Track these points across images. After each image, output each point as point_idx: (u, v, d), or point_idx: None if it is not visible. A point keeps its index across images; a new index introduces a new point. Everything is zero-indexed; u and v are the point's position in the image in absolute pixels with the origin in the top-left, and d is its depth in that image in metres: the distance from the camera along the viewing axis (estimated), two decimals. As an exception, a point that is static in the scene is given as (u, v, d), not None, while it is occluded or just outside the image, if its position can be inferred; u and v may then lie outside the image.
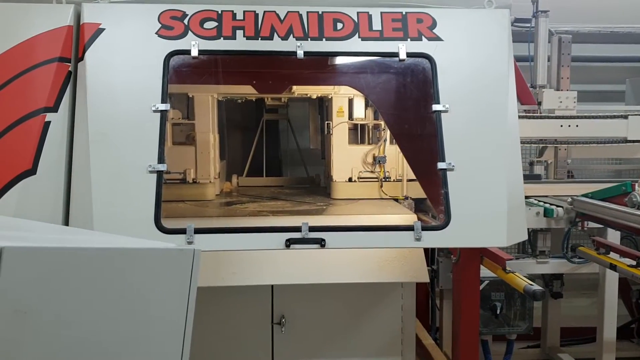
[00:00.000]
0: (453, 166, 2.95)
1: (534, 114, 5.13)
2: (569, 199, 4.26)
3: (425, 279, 3.63)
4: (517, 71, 5.30)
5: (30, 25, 3.06)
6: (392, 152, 4.29)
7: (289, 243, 2.83)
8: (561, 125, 4.99)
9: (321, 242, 2.84)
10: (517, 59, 5.34)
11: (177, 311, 1.63)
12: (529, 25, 5.37)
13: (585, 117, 4.98)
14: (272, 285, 3.73)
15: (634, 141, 5.06)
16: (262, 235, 2.88)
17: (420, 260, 3.65)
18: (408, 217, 3.52)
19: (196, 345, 3.45)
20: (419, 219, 3.45)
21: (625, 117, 5.03)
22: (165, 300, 1.58)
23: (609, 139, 5.06)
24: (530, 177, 5.24)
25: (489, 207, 2.92)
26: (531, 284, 3.15)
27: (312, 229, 2.85)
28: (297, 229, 2.85)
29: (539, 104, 5.19)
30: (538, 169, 5.37)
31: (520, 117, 5.08)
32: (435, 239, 2.90)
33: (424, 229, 2.87)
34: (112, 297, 1.42)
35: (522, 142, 5.15)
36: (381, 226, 3.09)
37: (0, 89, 2.97)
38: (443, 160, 2.96)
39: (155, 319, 1.59)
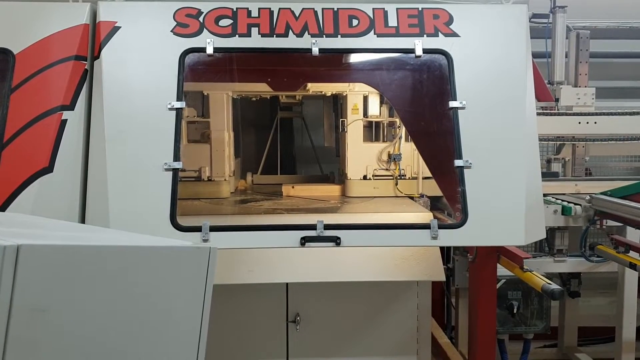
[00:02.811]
0: (470, 164, 2.92)
1: (552, 111, 5.07)
2: (587, 197, 4.20)
3: (442, 277, 3.60)
4: (535, 67, 5.26)
5: (47, 24, 3.08)
6: (408, 150, 4.27)
7: (304, 241, 2.82)
8: (579, 122, 4.93)
9: (336, 240, 2.82)
10: (535, 55, 5.27)
11: (193, 309, 1.63)
12: (546, 21, 5.30)
13: (604, 114, 4.91)
14: (287, 284, 3.72)
15: (652, 138, 4.98)
16: (277, 233, 2.88)
17: (436, 258, 3.62)
18: (424, 215, 3.50)
19: (212, 342, 3.45)
20: (434, 217, 3.42)
21: (644, 114, 4.95)
22: (181, 298, 1.57)
23: (627, 136, 4.98)
24: (547, 175, 5.16)
25: (507, 205, 2.89)
26: (549, 283, 3.11)
27: (327, 227, 2.84)
28: (312, 227, 2.84)
29: (557, 100, 5.12)
30: (555, 167, 5.30)
31: (537, 114, 5.03)
32: (452, 238, 2.88)
33: (440, 227, 2.85)
34: (128, 295, 1.41)
35: (539, 140, 5.11)
36: (397, 224, 3.06)
37: (17, 87, 2.99)
38: (460, 157, 2.94)
39: (171, 316, 1.59)
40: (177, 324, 1.61)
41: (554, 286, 3.07)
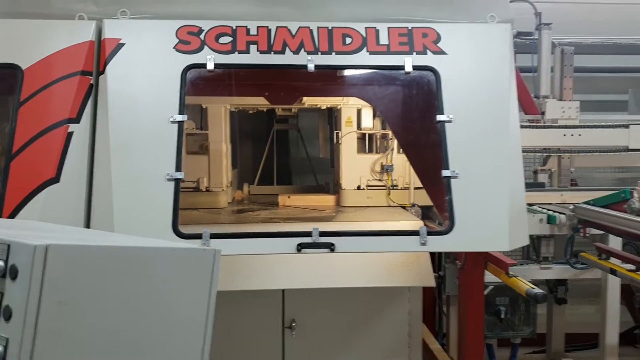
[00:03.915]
0: (457, 174, 3.08)
1: (538, 124, 5.25)
2: (571, 207, 4.36)
3: (432, 283, 3.75)
4: (521, 82, 5.46)
5: (55, 41, 3.22)
6: (400, 161, 4.42)
7: (300, 247, 2.96)
8: (564, 135, 5.09)
9: (331, 247, 2.97)
10: (521, 69, 5.51)
11: (199, 308, 1.77)
12: (532, 37, 5.51)
13: (588, 127, 5.08)
14: (284, 290, 3.85)
15: (635, 150, 5.15)
16: (274, 240, 3.02)
17: (427, 265, 3.77)
18: (415, 224, 3.65)
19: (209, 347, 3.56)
20: (425, 225, 3.57)
21: (627, 126, 5.12)
22: (188, 297, 1.71)
23: (611, 147, 5.15)
24: (534, 185, 5.34)
25: (492, 213, 3.04)
26: (533, 287, 3.27)
27: (322, 234, 2.98)
28: (308, 234, 2.98)
29: (543, 113, 5.31)
30: (542, 178, 5.47)
31: (524, 126, 5.22)
32: (440, 244, 3.03)
33: (429, 234, 3.00)
34: (141, 293, 1.55)
35: (526, 151, 5.30)
36: (388, 231, 3.22)
37: (26, 101, 3.12)
38: (447, 168, 3.09)
39: (178, 315, 1.72)
40: (184, 322, 1.74)
41: (537, 290, 3.22)
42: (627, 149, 5.16)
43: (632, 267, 3.77)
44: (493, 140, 3.17)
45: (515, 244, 3.09)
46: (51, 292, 1.31)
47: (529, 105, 5.48)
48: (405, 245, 3.02)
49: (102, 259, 1.45)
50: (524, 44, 5.70)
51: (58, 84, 3.17)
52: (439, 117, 3.16)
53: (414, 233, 2.99)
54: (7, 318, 1.32)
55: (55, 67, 3.19)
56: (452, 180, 3.07)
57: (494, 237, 3.04)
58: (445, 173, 3.08)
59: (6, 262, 1.35)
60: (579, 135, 5.11)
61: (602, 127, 5.13)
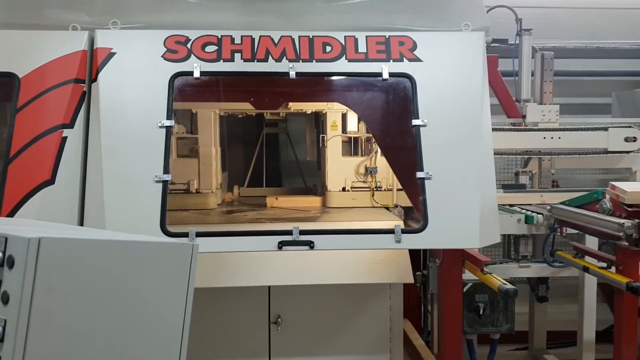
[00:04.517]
0: (430, 175, 3.25)
1: (519, 127, 5.42)
2: (548, 207, 4.53)
3: (410, 280, 3.92)
4: (504, 86, 5.65)
5: (49, 50, 3.39)
6: (383, 163, 4.56)
7: (281, 245, 3.13)
8: (544, 137, 5.26)
9: (310, 244, 3.13)
10: (503, 74, 5.70)
11: (179, 297, 1.93)
12: (509, 44, 5.70)
13: (567, 130, 5.26)
14: (269, 287, 4.01)
15: (614, 152, 5.33)
16: (257, 238, 3.19)
17: (406, 263, 3.94)
18: (393, 223, 3.80)
19: (197, 342, 3.75)
20: (406, 225, 3.74)
21: (606, 129, 5.30)
22: (168, 286, 1.88)
23: (590, 150, 5.32)
24: (515, 187, 5.51)
25: (463, 212, 3.21)
26: (505, 283, 3.43)
27: (302, 232, 3.14)
28: (289, 233, 3.15)
29: (524, 117, 5.48)
30: (523, 179, 5.65)
31: (505, 129, 5.41)
32: (414, 241, 3.20)
33: (403, 232, 3.17)
34: (125, 281, 1.72)
35: (507, 154, 5.48)
36: (365, 229, 3.40)
37: (22, 108, 3.29)
38: (422, 170, 3.26)
39: (159, 303, 1.89)
40: (164, 310, 1.91)
41: (509, 286, 3.39)
42: (606, 151, 5.34)
43: (604, 264, 3.94)
44: (465, 143, 3.34)
45: (486, 241, 3.26)
46: (43, 280, 1.49)
47: (512, 108, 5.66)
48: (381, 242, 3.19)
49: (89, 250, 1.62)
50: (506, 48, 5.90)
51: (53, 92, 3.33)
52: (414, 122, 3.33)
53: (390, 231, 3.17)
54: (5, 302, 1.50)
55: (50, 75, 3.35)
56: (426, 182, 3.24)
57: (466, 235, 3.21)
58: (419, 175, 3.25)
59: (4, 253, 1.53)
60: (559, 137, 5.28)
61: (581, 129, 5.30)
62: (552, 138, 5.28)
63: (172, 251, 1.85)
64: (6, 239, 1.54)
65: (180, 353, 1.95)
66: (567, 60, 7.11)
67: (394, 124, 3.73)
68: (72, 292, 1.57)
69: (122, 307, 1.73)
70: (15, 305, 1.49)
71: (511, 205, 4.97)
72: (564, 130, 5.30)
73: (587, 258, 4.26)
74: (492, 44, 5.75)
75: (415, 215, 4.29)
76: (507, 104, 5.66)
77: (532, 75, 5.67)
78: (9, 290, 1.51)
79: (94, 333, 1.64)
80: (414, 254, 5.28)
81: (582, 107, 7.38)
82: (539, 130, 5.33)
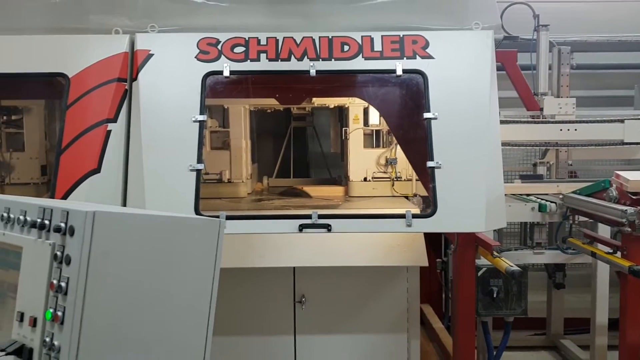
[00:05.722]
0: (440, 164, 3.51)
1: (536, 119, 5.61)
2: (561, 196, 4.73)
3: (424, 263, 4.17)
4: (523, 79, 5.83)
5: (95, 52, 3.76)
6: (403, 155, 4.83)
7: (301, 227, 3.44)
8: (561, 130, 5.44)
9: (328, 227, 3.43)
10: (522, 67, 5.88)
11: (208, 266, 2.25)
12: (522, 39, 5.88)
13: (583, 122, 5.42)
14: (294, 268, 4.32)
15: (630, 143, 5.47)
16: (280, 221, 3.51)
17: (421, 247, 4.20)
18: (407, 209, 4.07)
19: (226, 320, 4.05)
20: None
21: (622, 121, 5.45)
22: (199, 256, 2.20)
23: (606, 141, 5.48)
24: (532, 177, 5.70)
25: (470, 199, 3.46)
26: (511, 266, 3.67)
27: (321, 216, 3.45)
28: (309, 217, 3.46)
29: (541, 110, 5.66)
30: (541, 170, 5.83)
31: (523, 122, 5.60)
32: (424, 225, 3.47)
33: (414, 216, 3.44)
34: (163, 250, 2.06)
35: (526, 145, 5.68)
36: (378, 214, 3.68)
37: (72, 105, 3.67)
38: (432, 159, 3.53)
39: (192, 270, 2.21)
40: (196, 277, 2.23)
41: (515, 268, 3.62)
42: (622, 143, 5.49)
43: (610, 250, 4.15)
44: (473, 135, 3.58)
45: (491, 225, 3.51)
46: (97, 245, 1.84)
47: (531, 101, 5.84)
48: (394, 226, 3.47)
49: (134, 223, 1.97)
50: (525, 43, 6.07)
51: (98, 90, 3.70)
52: (426, 115, 3.59)
53: (401, 216, 3.45)
54: (68, 263, 1.87)
55: (96, 75, 3.72)
56: (436, 170, 3.51)
57: (472, 220, 3.46)
58: (430, 164, 3.52)
59: (66, 223, 1.89)
60: (575, 130, 5.45)
61: (597, 122, 5.46)
62: (568, 130, 5.45)
63: (203, 225, 2.18)
64: (68, 213, 1.89)
65: (209, 315, 2.28)
66: (590, 53, 7.23)
67: (408, 117, 4.00)
68: (121, 256, 1.92)
69: (162, 272, 2.06)
70: (75, 266, 1.85)
71: (528, 195, 5.17)
72: (580, 122, 5.47)
73: (599, 245, 4.45)
74: (514, 39, 5.94)
75: (433, 203, 4.55)
76: (526, 97, 5.84)
77: (550, 69, 5.84)
78: (70, 253, 1.87)
79: (138, 291, 1.98)
80: (435, 242, 5.55)
81: (606, 100, 7.50)
82: (556, 122, 5.50)
